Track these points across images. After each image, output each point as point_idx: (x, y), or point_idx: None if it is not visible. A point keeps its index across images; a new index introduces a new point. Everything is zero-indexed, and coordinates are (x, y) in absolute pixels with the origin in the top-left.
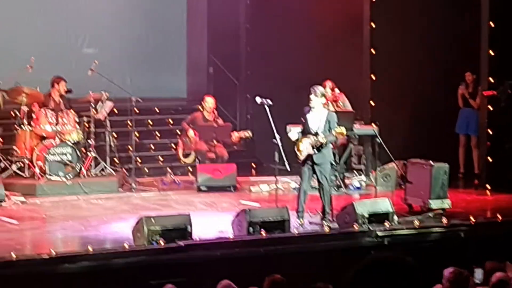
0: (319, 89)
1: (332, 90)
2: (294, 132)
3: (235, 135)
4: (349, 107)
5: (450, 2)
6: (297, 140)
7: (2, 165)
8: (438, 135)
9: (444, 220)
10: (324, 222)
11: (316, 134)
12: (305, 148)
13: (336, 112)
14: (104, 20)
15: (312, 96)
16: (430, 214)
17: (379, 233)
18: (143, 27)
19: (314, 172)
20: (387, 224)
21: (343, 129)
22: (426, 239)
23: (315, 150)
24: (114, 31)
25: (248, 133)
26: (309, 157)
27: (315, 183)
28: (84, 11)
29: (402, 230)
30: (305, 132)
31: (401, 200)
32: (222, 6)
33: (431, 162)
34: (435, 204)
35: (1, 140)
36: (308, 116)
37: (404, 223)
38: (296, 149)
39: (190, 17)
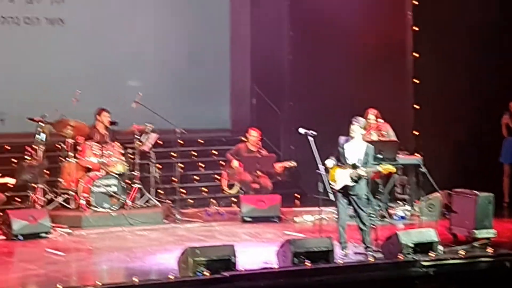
0: (362, 120)
1: (376, 118)
2: (331, 160)
3: (279, 166)
4: (393, 137)
5: (493, 30)
6: (331, 168)
7: (48, 197)
8: (482, 165)
9: (490, 250)
10: (368, 252)
11: (355, 166)
12: (340, 178)
13: (380, 141)
14: (147, 52)
15: (355, 127)
16: (476, 244)
17: (424, 263)
18: (186, 59)
19: (349, 202)
20: (432, 254)
21: (390, 167)
22: (471, 269)
23: (353, 182)
24: (158, 64)
25: (292, 163)
26: (345, 187)
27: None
28: (128, 44)
29: (447, 260)
30: (341, 162)
31: (446, 230)
32: (265, 37)
33: (475, 191)
34: (480, 233)
35: (48, 172)
36: (346, 146)
37: (449, 253)
38: (329, 178)
39: (234, 49)
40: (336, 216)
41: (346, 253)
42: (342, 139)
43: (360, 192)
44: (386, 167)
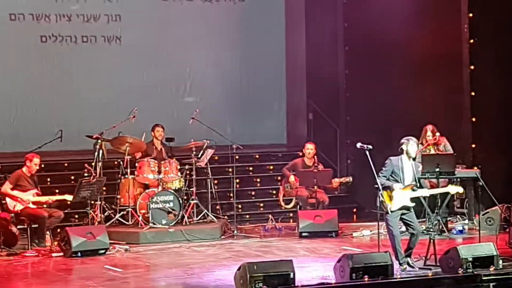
0: (415, 139)
1: (433, 133)
2: (399, 184)
3: (335, 181)
4: (450, 151)
5: None
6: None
7: (107, 214)
8: None
9: None
10: (412, 263)
11: (415, 187)
12: (398, 199)
13: (438, 155)
14: (204, 69)
15: (413, 148)
16: None
17: (484, 278)
18: (242, 75)
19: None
20: (492, 268)
21: (459, 189)
22: None
23: (412, 202)
24: (214, 80)
25: (348, 179)
26: (404, 207)
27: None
28: (184, 60)
29: (508, 274)
30: (396, 182)
31: (506, 244)
32: (320, 52)
33: None
34: None
35: (105, 189)
36: (404, 167)
37: (509, 267)
38: (386, 199)
39: (289, 64)
40: (397, 239)
41: (405, 268)
42: (396, 159)
43: (412, 208)
44: (454, 188)
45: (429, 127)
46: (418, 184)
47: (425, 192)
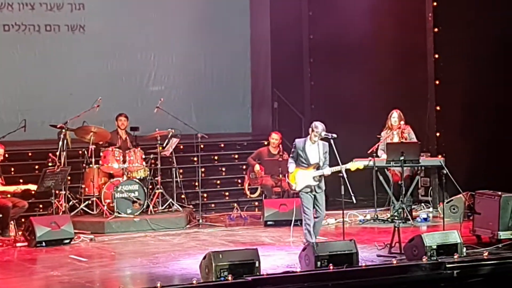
0: (320, 126)
1: (400, 118)
2: (293, 164)
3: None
4: (414, 139)
5: None
6: (292, 172)
7: (71, 203)
8: (505, 165)
9: None
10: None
11: (318, 167)
12: (302, 179)
13: (402, 143)
14: (168, 58)
15: (317, 132)
16: (500, 245)
17: (448, 265)
18: (207, 64)
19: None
20: (456, 256)
21: (358, 165)
22: (496, 270)
23: (315, 181)
24: (178, 69)
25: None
26: (308, 186)
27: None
28: (149, 49)
29: (471, 262)
30: (302, 163)
31: (470, 232)
32: (285, 41)
33: (499, 192)
34: (504, 235)
35: (70, 178)
36: (306, 148)
37: (473, 255)
38: (289, 180)
39: (254, 53)
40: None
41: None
42: (299, 142)
43: (322, 190)
44: (355, 165)
45: (396, 111)
46: (321, 164)
47: (327, 171)
